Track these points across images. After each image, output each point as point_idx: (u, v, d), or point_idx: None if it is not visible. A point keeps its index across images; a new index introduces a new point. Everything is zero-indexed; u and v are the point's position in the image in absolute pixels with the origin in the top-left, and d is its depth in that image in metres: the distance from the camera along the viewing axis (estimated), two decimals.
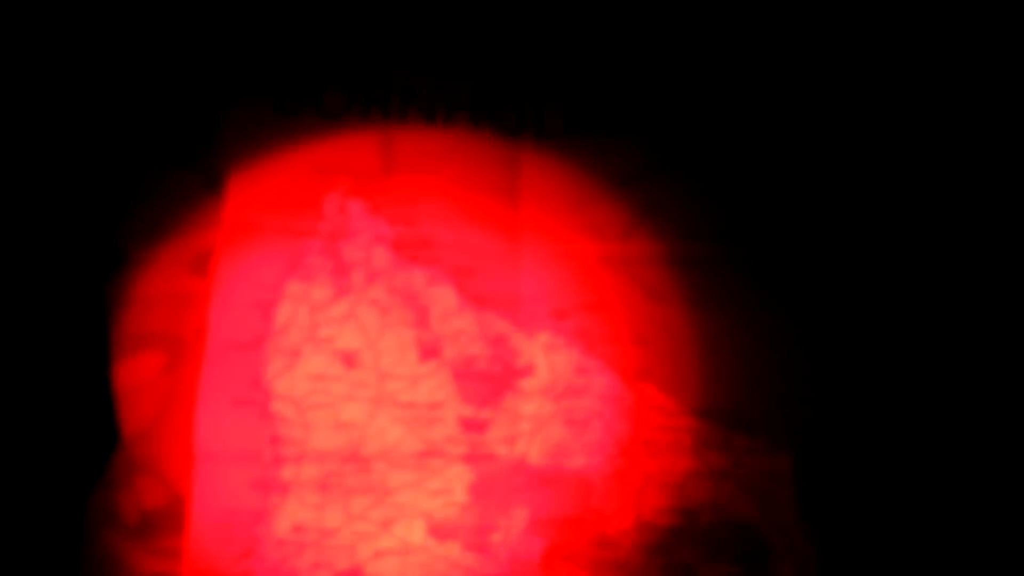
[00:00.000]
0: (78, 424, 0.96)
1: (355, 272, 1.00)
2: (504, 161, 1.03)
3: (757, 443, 0.96)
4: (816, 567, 0.92)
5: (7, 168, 1.00)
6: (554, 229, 1.01)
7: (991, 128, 0.99)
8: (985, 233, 0.98)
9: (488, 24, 1.06)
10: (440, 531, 0.93)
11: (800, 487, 0.94)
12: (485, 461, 0.95)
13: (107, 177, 1.01)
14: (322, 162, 1.02)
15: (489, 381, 0.97)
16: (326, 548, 0.93)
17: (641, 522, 0.94)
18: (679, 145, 1.03)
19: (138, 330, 0.98)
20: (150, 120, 1.03)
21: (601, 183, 1.02)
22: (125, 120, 1.02)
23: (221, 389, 0.96)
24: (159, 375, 0.97)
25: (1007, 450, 0.91)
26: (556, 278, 1.00)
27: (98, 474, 0.94)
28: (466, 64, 1.06)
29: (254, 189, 1.01)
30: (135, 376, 0.97)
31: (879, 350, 0.97)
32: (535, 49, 1.06)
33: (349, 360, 0.97)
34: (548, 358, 0.98)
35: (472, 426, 0.96)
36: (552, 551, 0.93)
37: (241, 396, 0.96)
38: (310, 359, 0.97)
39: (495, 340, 0.98)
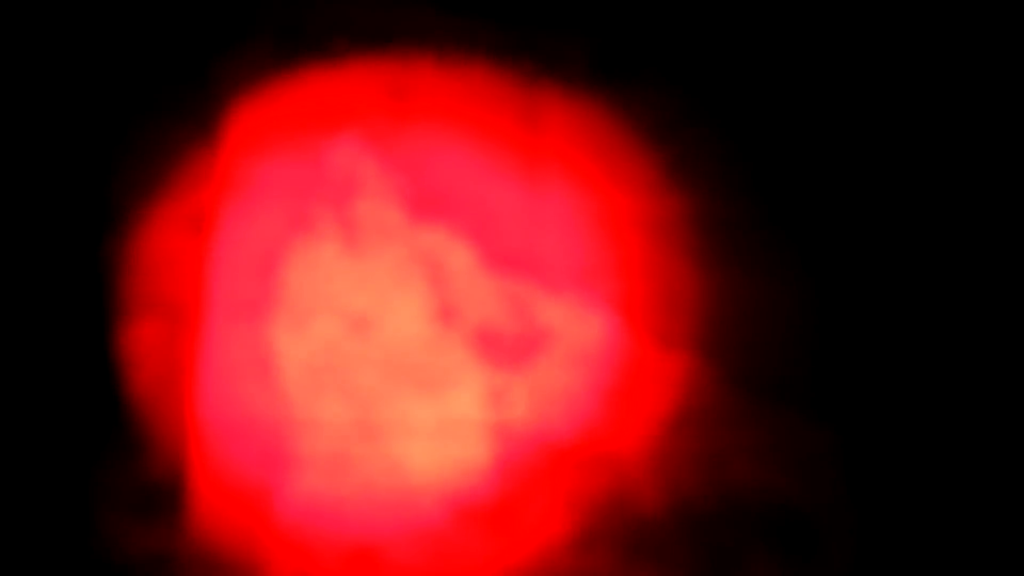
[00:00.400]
0: (77, 395, 0.92)
1: (365, 229, 0.93)
2: (524, 109, 0.96)
3: (800, 418, 0.90)
4: (863, 547, 0.87)
5: None
6: (579, 184, 0.94)
7: None
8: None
9: None
10: (460, 511, 0.88)
11: (846, 464, 0.89)
12: (508, 434, 0.89)
13: (97, 133, 0.95)
14: (327, 109, 0.95)
15: (511, 347, 0.91)
16: (338, 524, 0.88)
17: (678, 501, 0.88)
18: (715, 96, 0.96)
19: (137, 294, 0.92)
20: (139, 70, 0.96)
21: (630, 134, 0.95)
22: (113, 72, 0.96)
23: (224, 356, 0.90)
24: (160, 342, 0.92)
25: None
26: (582, 237, 0.93)
27: (98, 447, 0.90)
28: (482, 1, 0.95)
29: (252, 140, 0.94)
30: (135, 344, 0.92)
31: (931, 321, 0.91)
32: None
33: (360, 323, 0.91)
34: (575, 323, 0.91)
35: (493, 395, 0.90)
36: (582, 533, 0.87)
37: (245, 363, 0.90)
38: (318, 323, 0.91)
39: (517, 303, 0.92)
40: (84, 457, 0.89)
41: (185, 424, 0.88)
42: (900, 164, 0.95)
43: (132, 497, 0.88)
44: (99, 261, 0.92)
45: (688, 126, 0.96)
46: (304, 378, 0.88)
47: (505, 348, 0.91)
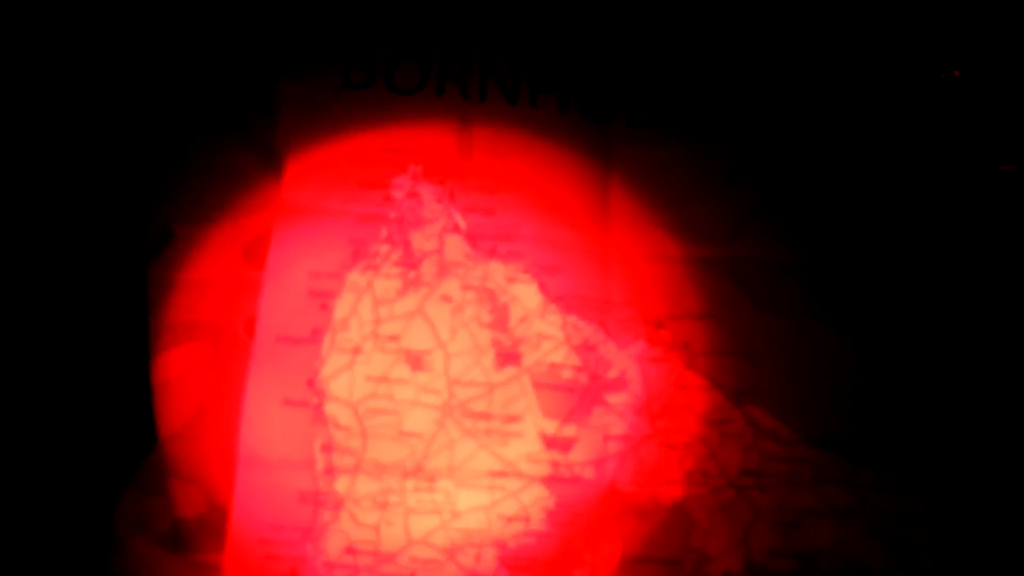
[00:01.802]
0: (112, 419, 0.88)
1: (426, 264, 0.90)
2: (593, 149, 0.94)
3: (886, 481, 0.85)
4: None
5: (49, 137, 0.93)
6: (650, 226, 0.92)
7: None
8: None
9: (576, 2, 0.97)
10: (515, 564, 0.83)
11: (935, 532, 0.84)
12: (569, 485, 0.85)
13: (155, 151, 0.94)
14: (392, 142, 0.94)
15: (575, 394, 0.87)
16: (383, 574, 0.83)
17: (751, 564, 0.83)
18: (791, 139, 0.94)
19: (181, 319, 0.89)
20: (203, 89, 0.96)
21: (705, 177, 0.94)
22: (176, 89, 0.95)
23: (270, 387, 0.87)
24: (202, 369, 0.88)
25: None
26: (652, 281, 0.91)
27: (130, 475, 0.86)
28: (552, 44, 0.97)
29: (315, 168, 0.93)
30: (176, 369, 0.88)
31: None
32: (629, 29, 0.98)
33: (416, 362, 0.88)
34: (643, 371, 0.88)
35: (554, 444, 0.86)
36: None
37: (292, 396, 0.87)
38: (372, 359, 0.88)
39: (582, 348, 0.89)
40: (116, 483, 0.85)
41: (223, 456, 0.84)
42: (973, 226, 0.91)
43: (163, 529, 0.84)
44: (146, 281, 0.90)
45: (766, 170, 0.94)
46: (354, 417, 0.85)
47: (567, 394, 0.87)
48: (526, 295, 0.90)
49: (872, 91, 0.96)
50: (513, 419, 0.86)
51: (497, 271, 0.90)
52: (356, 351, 0.88)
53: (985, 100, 0.96)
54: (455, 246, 0.91)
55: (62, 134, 0.93)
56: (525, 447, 0.86)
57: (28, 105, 0.93)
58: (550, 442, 0.86)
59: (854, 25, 0.98)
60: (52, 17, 0.94)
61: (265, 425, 0.86)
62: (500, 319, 0.89)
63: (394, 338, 0.88)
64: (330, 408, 0.87)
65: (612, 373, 0.88)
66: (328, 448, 0.86)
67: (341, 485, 0.85)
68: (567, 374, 0.88)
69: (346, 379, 0.87)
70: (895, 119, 0.95)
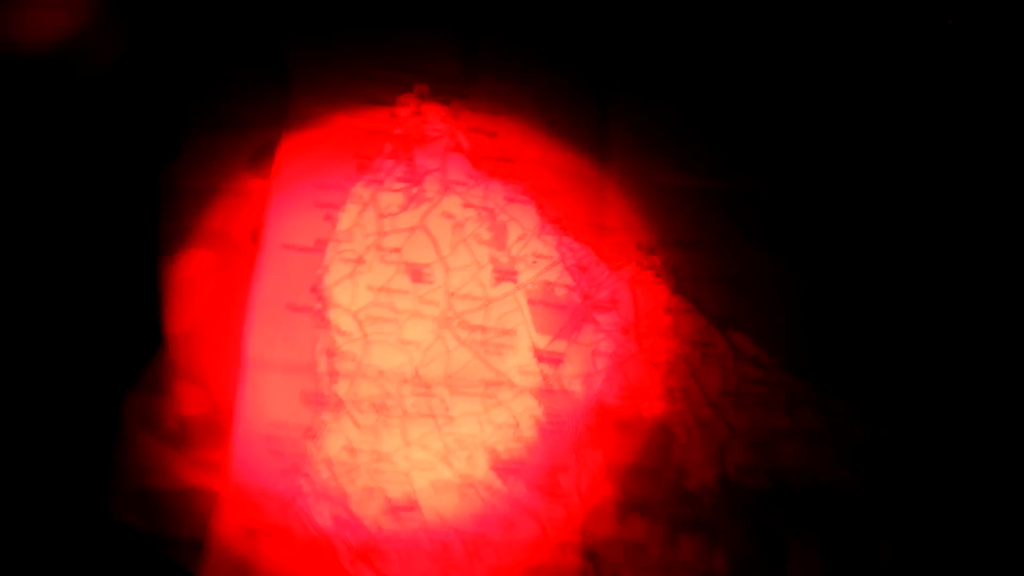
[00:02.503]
0: (120, 320, 0.91)
1: (428, 180, 0.93)
2: (594, 79, 0.97)
3: (856, 408, 0.89)
4: (916, 546, 0.86)
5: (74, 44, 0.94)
6: (646, 156, 0.95)
7: None
8: None
9: None
10: (504, 467, 0.87)
11: (901, 457, 0.88)
12: (557, 397, 0.88)
13: (171, 66, 0.96)
14: (398, 62, 0.96)
15: (567, 312, 0.91)
16: (379, 473, 0.87)
17: (725, 479, 0.88)
18: (789, 80, 0.97)
19: (189, 225, 0.92)
20: (223, 15, 0.97)
21: (701, 112, 0.96)
22: (198, 12, 0.97)
23: (276, 293, 0.90)
24: (208, 274, 0.91)
25: None
26: (646, 208, 0.94)
27: (139, 374, 0.88)
28: None
29: (324, 85, 0.95)
30: (183, 274, 0.91)
31: (992, 320, 0.91)
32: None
33: (416, 274, 0.91)
34: (633, 293, 0.92)
35: (545, 358, 0.89)
36: (626, 501, 0.87)
37: (296, 302, 0.90)
38: (374, 269, 0.91)
39: (576, 268, 0.92)
40: (123, 383, 0.88)
41: (226, 358, 0.87)
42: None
43: (168, 426, 0.87)
44: (157, 188, 0.92)
45: (760, 109, 0.97)
46: (355, 323, 0.88)
47: (560, 311, 0.91)
48: (524, 215, 0.93)
49: (860, 38, 0.99)
50: (507, 333, 0.90)
51: (497, 191, 0.93)
52: (359, 261, 0.91)
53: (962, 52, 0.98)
54: (457, 165, 0.94)
55: (89, 46, 0.95)
56: (517, 359, 0.90)
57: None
58: (541, 356, 0.90)
59: None
60: None
61: (270, 328, 0.89)
62: (498, 237, 0.93)
63: (396, 250, 0.92)
64: (333, 314, 0.90)
65: (603, 294, 0.92)
66: (330, 352, 0.89)
67: (342, 388, 0.89)
68: (560, 293, 0.92)
69: (348, 287, 0.90)
70: (882, 60, 0.98)
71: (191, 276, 0.91)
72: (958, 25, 0.99)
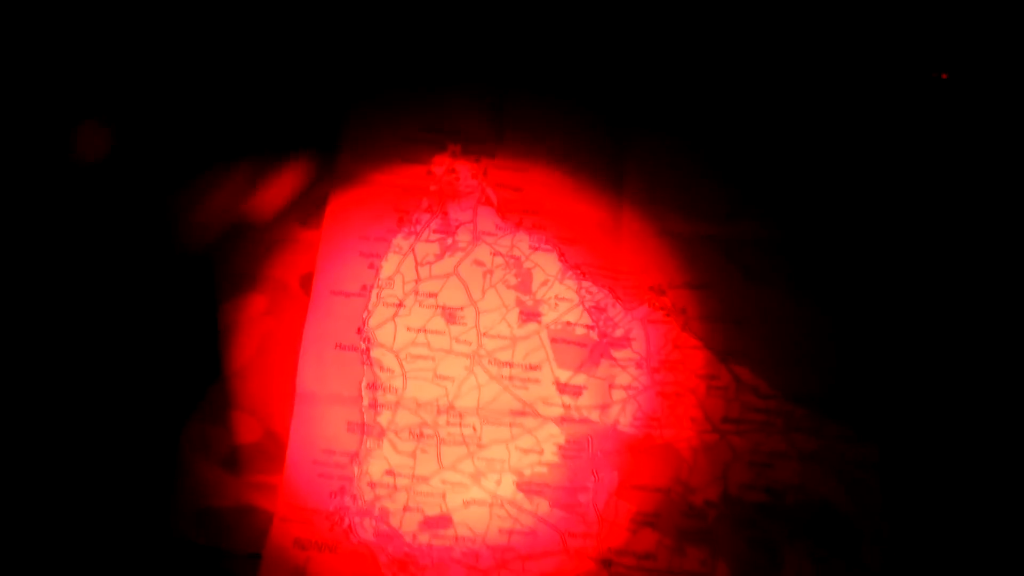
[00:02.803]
0: (182, 357, 0.99)
1: (461, 232, 1.02)
2: (611, 136, 1.05)
3: (847, 431, 0.96)
4: (902, 556, 0.92)
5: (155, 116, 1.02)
6: (657, 206, 1.03)
7: None
8: None
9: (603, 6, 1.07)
10: (529, 487, 0.94)
11: (888, 476, 0.94)
12: (577, 424, 0.96)
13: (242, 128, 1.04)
14: (433, 124, 1.05)
15: (586, 348, 0.98)
16: (417, 493, 0.94)
17: (727, 496, 0.94)
18: (787, 129, 1.04)
19: (246, 272, 1.00)
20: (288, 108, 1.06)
21: (708, 163, 1.03)
22: (268, 108, 1.06)
23: (324, 333, 0.98)
24: (261, 316, 0.99)
25: None
26: (657, 254, 1.01)
27: (198, 405, 0.97)
28: (578, 46, 1.07)
29: (368, 146, 1.04)
30: (238, 315, 1.00)
31: (972, 347, 0.98)
32: (647, 34, 1.08)
33: (450, 316, 0.99)
34: (645, 331, 0.99)
35: (566, 390, 0.96)
36: (638, 516, 0.94)
37: (343, 341, 0.98)
38: (412, 312, 0.99)
39: (594, 309, 0.99)
40: (184, 411, 0.96)
41: (278, 391, 0.95)
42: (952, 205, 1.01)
43: (223, 453, 0.95)
44: (216, 240, 1.00)
45: (762, 157, 1.04)
46: (396, 361, 0.96)
47: (580, 348, 0.98)
48: (547, 262, 1.02)
49: (856, 86, 1.06)
50: (532, 368, 0.98)
51: (523, 240, 1.02)
52: (399, 305, 1.00)
53: (964, 94, 1.05)
54: (487, 217, 1.03)
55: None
56: (541, 392, 0.98)
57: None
58: (563, 388, 0.98)
59: (834, 22, 1.08)
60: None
61: (319, 365, 0.98)
62: (524, 282, 1.01)
63: (432, 295, 1.00)
64: (376, 353, 0.99)
65: (619, 332, 1.00)
66: (373, 386, 0.98)
67: (384, 418, 0.97)
68: (580, 331, 1.00)
69: (390, 328, 0.99)
70: (876, 115, 1.05)
71: (247, 318, 0.99)
72: (953, 80, 1.05)
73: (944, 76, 1.05)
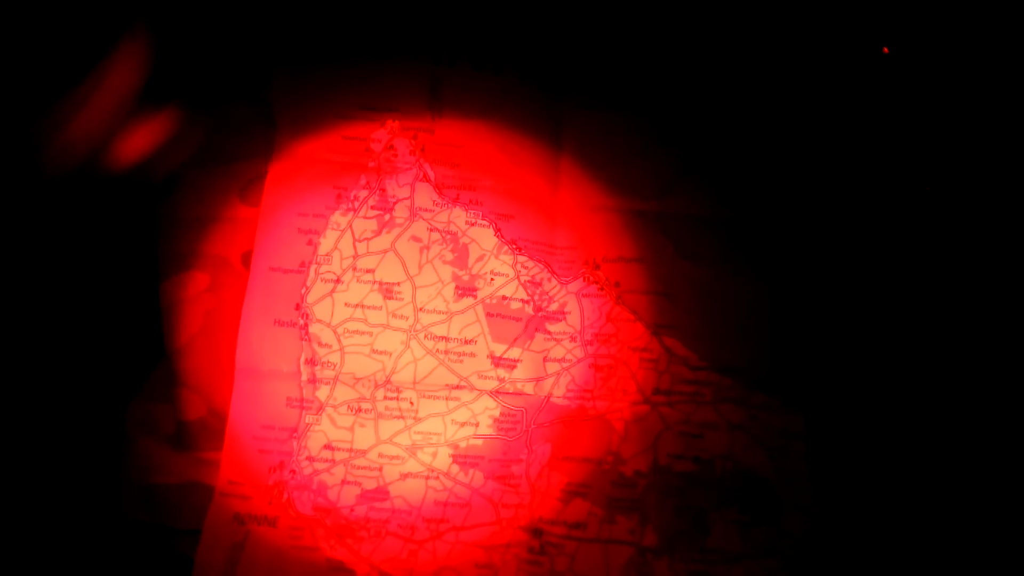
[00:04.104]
0: (123, 336, 0.99)
1: (398, 208, 1.02)
2: (548, 112, 1.05)
3: (773, 401, 0.99)
4: (823, 522, 0.95)
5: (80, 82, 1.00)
6: (592, 182, 1.04)
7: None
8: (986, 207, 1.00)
9: None
10: (465, 459, 0.96)
11: (811, 445, 0.97)
12: (512, 397, 0.97)
13: (174, 107, 1.02)
14: (371, 101, 1.05)
15: (521, 322, 0.99)
16: (355, 467, 0.96)
17: (657, 466, 0.97)
18: (721, 107, 1.05)
19: (185, 250, 1.00)
20: (211, 60, 1.06)
21: (640, 142, 1.05)
22: (194, 62, 1.05)
23: (263, 310, 0.99)
24: (202, 294, 1.00)
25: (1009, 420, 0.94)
26: (592, 229, 1.02)
27: (141, 384, 0.97)
28: (515, 21, 1.08)
29: (306, 122, 1.04)
30: (180, 293, 1.00)
31: (894, 318, 1.00)
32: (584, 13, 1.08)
33: (387, 292, 1.00)
34: (580, 305, 1.00)
35: (501, 364, 0.98)
36: (569, 486, 0.95)
37: (282, 318, 0.99)
38: (350, 288, 1.00)
39: (530, 284, 1.01)
40: (126, 391, 0.96)
41: (220, 368, 0.95)
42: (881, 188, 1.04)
43: (168, 430, 0.95)
44: (155, 217, 1.00)
45: (695, 133, 1.05)
46: (334, 336, 0.96)
47: (515, 322, 0.99)
48: (483, 238, 1.02)
49: (786, 62, 1.08)
50: (468, 342, 0.99)
51: (459, 216, 1.03)
52: (337, 281, 1.00)
53: (903, 76, 1.06)
54: (424, 193, 1.03)
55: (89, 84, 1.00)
56: (477, 366, 0.99)
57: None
58: (498, 362, 0.99)
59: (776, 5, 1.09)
60: None
61: (258, 341, 0.98)
62: (460, 258, 1.02)
63: (369, 271, 1.01)
64: (314, 328, 0.99)
65: (553, 306, 1.02)
66: (312, 362, 0.99)
67: (322, 393, 0.98)
68: (515, 306, 1.01)
69: (328, 304, 1.00)
70: (809, 91, 1.07)
71: (189, 295, 1.00)
72: (895, 56, 1.06)
73: (885, 50, 1.04)
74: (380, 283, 1.00)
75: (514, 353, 0.99)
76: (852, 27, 1.07)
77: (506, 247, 1.02)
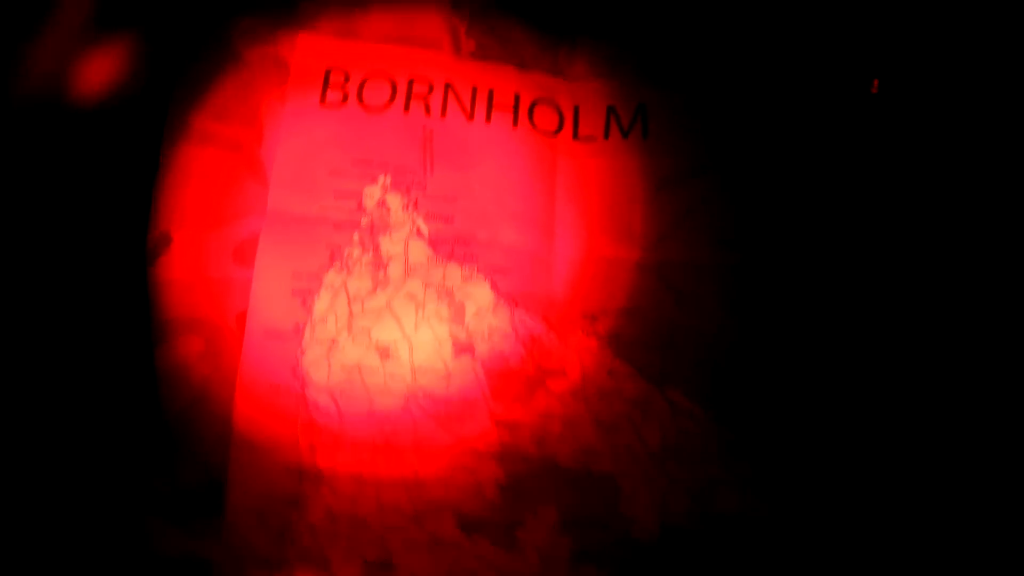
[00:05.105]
0: (118, 406, 0.98)
1: (392, 265, 1.01)
2: (541, 162, 1.05)
3: (780, 453, 0.98)
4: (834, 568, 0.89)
5: (58, 146, 1.02)
6: (588, 232, 1.03)
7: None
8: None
9: (525, 18, 1.08)
10: (470, 526, 0.95)
11: (822, 498, 0.96)
12: (516, 460, 0.96)
13: (156, 163, 1.02)
14: (363, 155, 1.04)
15: (521, 380, 0.98)
16: (357, 537, 0.94)
17: (665, 524, 0.96)
18: (719, 151, 1.05)
19: (178, 315, 0.99)
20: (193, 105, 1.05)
21: (638, 186, 1.04)
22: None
23: (259, 376, 0.97)
24: (197, 360, 0.99)
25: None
26: (590, 280, 1.02)
27: (141, 455, 0.96)
28: (505, 65, 1.07)
29: (297, 179, 1.03)
30: (174, 360, 0.99)
31: (911, 372, 0.99)
32: (574, 49, 1.08)
33: (384, 352, 0.99)
34: (580, 359, 0.99)
35: (504, 424, 0.97)
36: (578, 550, 0.95)
37: (278, 383, 0.97)
38: (347, 350, 0.99)
39: (528, 339, 0.99)
40: (128, 464, 0.96)
41: (222, 436, 0.94)
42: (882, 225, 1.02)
43: (172, 501, 0.94)
44: (146, 282, 1.00)
45: (693, 178, 1.05)
46: (331, 400, 0.95)
47: (516, 380, 0.98)
48: (479, 293, 1.02)
49: (793, 104, 1.07)
50: (469, 403, 0.98)
51: (454, 272, 1.02)
52: (333, 343, 0.99)
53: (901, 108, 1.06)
54: (418, 249, 1.02)
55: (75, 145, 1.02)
56: (478, 427, 0.98)
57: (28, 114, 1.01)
58: (500, 423, 0.98)
59: (778, 37, 1.09)
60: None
61: (255, 408, 0.97)
62: (457, 314, 1.01)
63: (366, 331, 1.00)
64: (311, 392, 0.98)
65: (553, 362, 1.00)
66: (309, 428, 0.98)
67: (321, 460, 0.97)
68: (515, 363, 1.00)
69: (324, 367, 0.99)
70: (801, 135, 1.06)
71: (182, 362, 0.99)
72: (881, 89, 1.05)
73: (876, 83, 1.03)
74: (377, 343, 0.99)
75: (516, 413, 0.98)
76: (845, 64, 1.07)
77: (503, 302, 1.01)
